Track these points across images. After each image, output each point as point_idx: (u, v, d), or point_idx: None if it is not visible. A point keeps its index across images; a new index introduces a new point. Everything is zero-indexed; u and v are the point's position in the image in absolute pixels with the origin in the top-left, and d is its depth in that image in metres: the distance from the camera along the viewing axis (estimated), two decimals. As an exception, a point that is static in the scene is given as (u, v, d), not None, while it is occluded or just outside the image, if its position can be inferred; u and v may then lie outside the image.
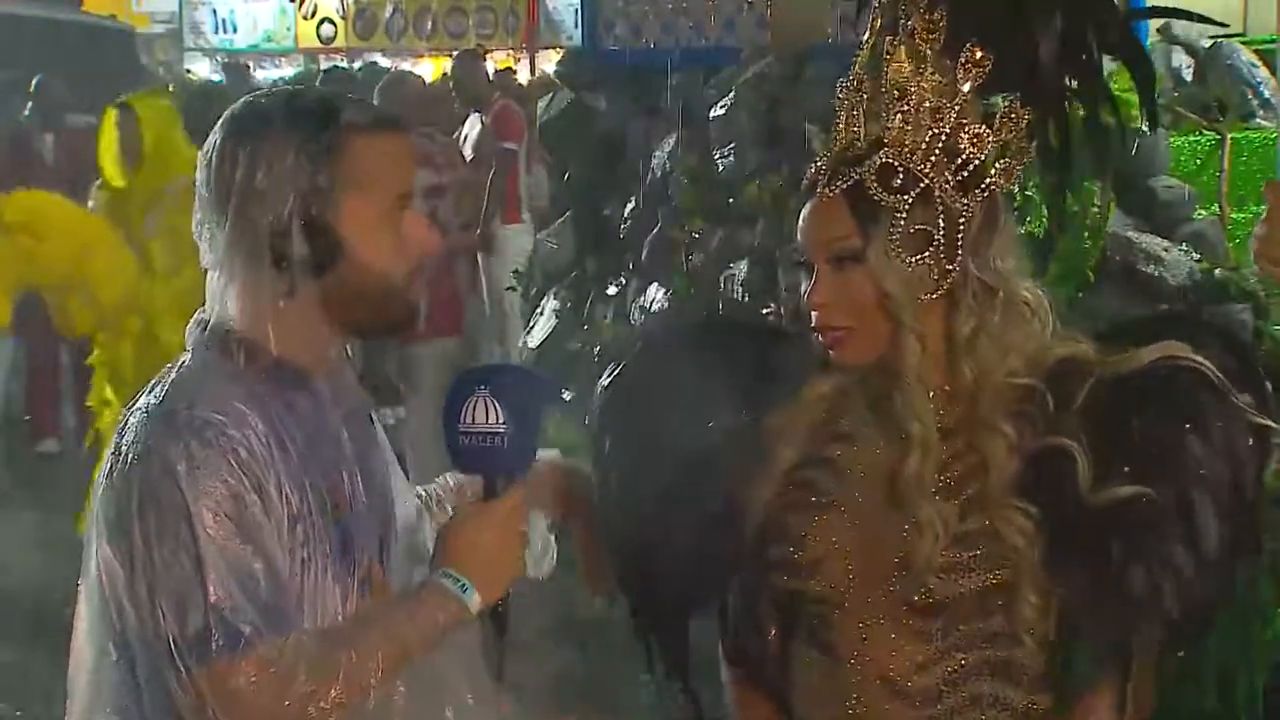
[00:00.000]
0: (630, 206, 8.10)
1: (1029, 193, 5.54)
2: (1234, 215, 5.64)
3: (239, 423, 1.88)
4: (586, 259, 8.57)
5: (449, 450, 2.01)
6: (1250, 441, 1.94)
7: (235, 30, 17.75)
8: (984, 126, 1.99)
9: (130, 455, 1.87)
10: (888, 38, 2.03)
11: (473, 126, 8.58)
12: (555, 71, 11.33)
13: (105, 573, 1.88)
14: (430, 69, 15.08)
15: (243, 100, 2.01)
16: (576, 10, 14.14)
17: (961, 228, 1.97)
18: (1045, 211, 5.46)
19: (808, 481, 2.07)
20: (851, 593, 2.02)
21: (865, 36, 2.08)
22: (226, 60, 16.41)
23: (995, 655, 1.99)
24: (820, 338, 2.02)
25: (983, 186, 1.98)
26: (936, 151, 1.98)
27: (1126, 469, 1.90)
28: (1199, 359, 1.94)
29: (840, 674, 2.05)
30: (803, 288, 2.04)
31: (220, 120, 1.97)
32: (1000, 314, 1.99)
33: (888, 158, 1.97)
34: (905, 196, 1.96)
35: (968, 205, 1.97)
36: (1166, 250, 5.44)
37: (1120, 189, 5.54)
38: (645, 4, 9.81)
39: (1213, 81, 6.31)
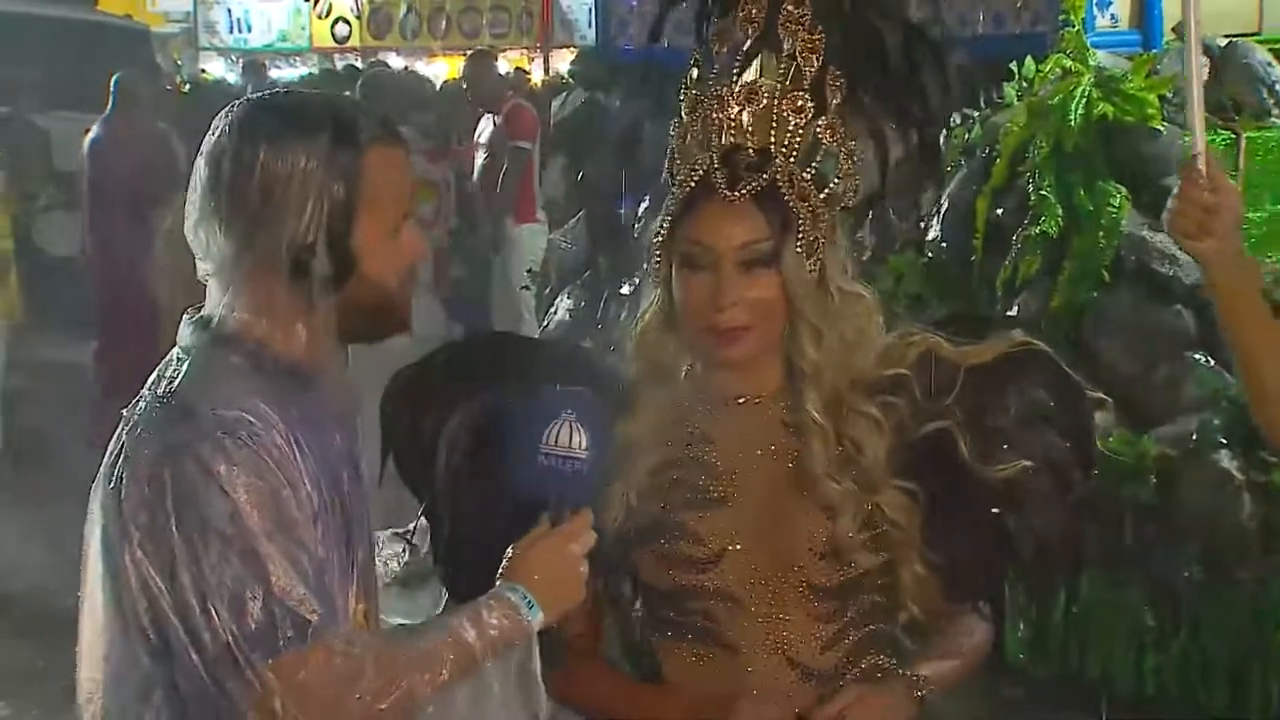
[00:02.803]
0: (644, 206, 8.10)
1: (1044, 192, 5.54)
2: (1249, 214, 5.61)
3: (265, 422, 1.85)
4: (600, 258, 8.58)
5: (521, 467, 1.99)
6: (1091, 408, 2.24)
7: (250, 30, 17.77)
8: (853, 145, 2.13)
9: (154, 456, 1.83)
10: (762, 52, 2.13)
11: (485, 125, 8.57)
12: (569, 71, 11.33)
13: (136, 578, 1.84)
14: (445, 68, 15.08)
15: (248, 103, 1.95)
16: (591, 10, 14.15)
17: (825, 237, 2.11)
18: (1060, 211, 5.48)
19: (682, 482, 2.14)
20: (750, 584, 2.11)
21: (725, 46, 2.15)
22: (245, 60, 16.43)
23: (883, 627, 2.15)
24: (715, 335, 2.09)
25: (841, 203, 2.13)
26: (815, 166, 2.11)
27: (1005, 445, 2.12)
28: (1041, 343, 2.17)
29: (737, 665, 2.12)
30: (663, 286, 2.13)
31: (225, 123, 1.91)
32: (853, 315, 2.13)
33: (789, 168, 2.10)
34: (807, 204, 2.09)
35: (829, 218, 2.12)
36: (1181, 249, 5.41)
37: (1135, 188, 5.53)
38: (659, 4, 9.76)
39: (1228, 80, 6.29)
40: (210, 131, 1.92)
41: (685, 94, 2.17)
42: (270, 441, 1.84)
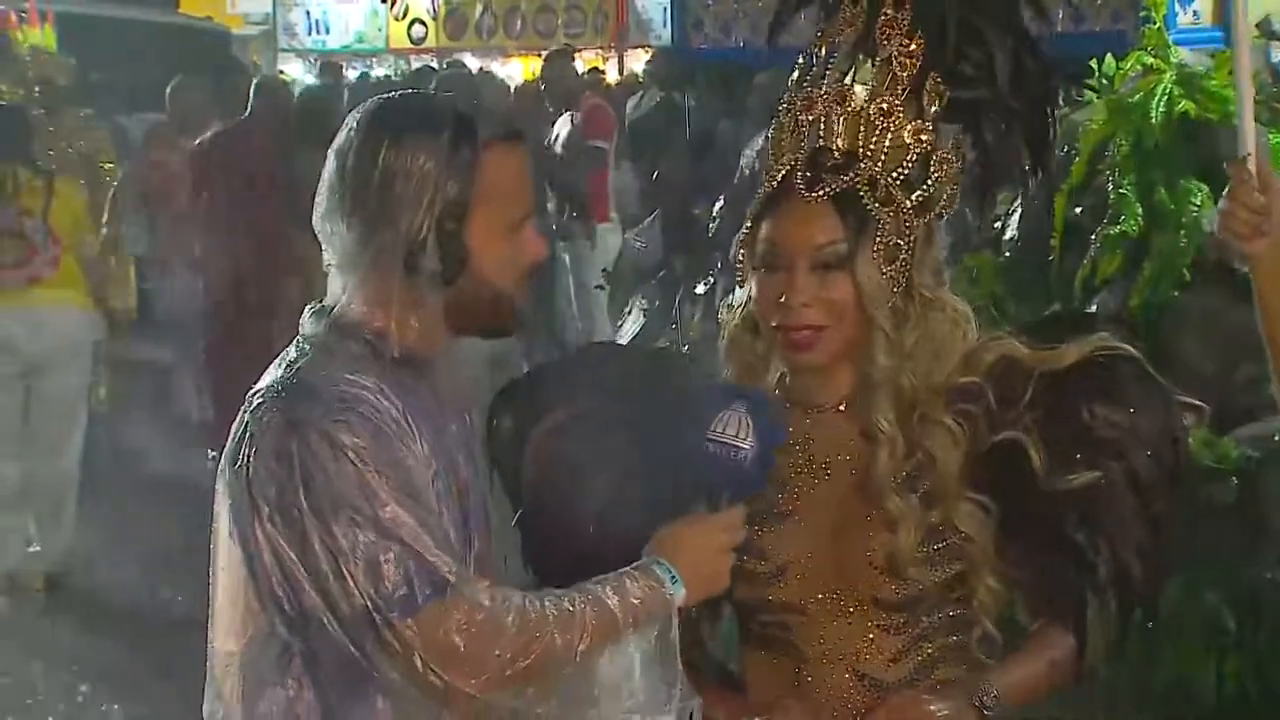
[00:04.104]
0: (719, 205, 8.10)
1: (1124, 191, 5.48)
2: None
3: (383, 397, 1.92)
4: (675, 258, 8.59)
5: (686, 452, 2.03)
6: (1181, 417, 2.15)
7: (328, 31, 17.91)
8: (948, 153, 2.12)
9: (279, 432, 1.89)
10: (860, 55, 2.13)
11: (563, 126, 8.61)
12: (644, 71, 11.35)
13: (269, 552, 1.90)
14: (519, 68, 15.14)
15: (377, 101, 2.02)
16: (666, 9, 14.17)
17: (913, 244, 2.10)
18: (1139, 210, 5.42)
19: (756, 495, 2.13)
20: (816, 597, 2.11)
21: (825, 49, 2.16)
22: (322, 61, 16.57)
23: (957, 640, 2.12)
24: (787, 337, 2.10)
25: (935, 210, 2.12)
26: (908, 171, 2.10)
27: (1079, 455, 2.05)
28: (1128, 347, 2.11)
29: (806, 675, 2.13)
30: (749, 286, 2.14)
31: (354, 120, 1.99)
32: (938, 323, 2.11)
33: (872, 171, 2.08)
34: (888, 209, 2.08)
35: (920, 224, 2.11)
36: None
37: (1217, 186, 5.46)
38: (734, 2, 9.78)
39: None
40: (342, 128, 1.99)
41: (784, 96, 2.18)
42: (390, 415, 1.91)
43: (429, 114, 1.98)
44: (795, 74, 2.18)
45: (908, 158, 2.10)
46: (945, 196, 2.12)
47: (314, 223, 2.00)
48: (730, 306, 2.22)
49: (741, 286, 2.19)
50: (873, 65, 2.12)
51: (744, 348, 2.18)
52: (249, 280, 7.70)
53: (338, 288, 2.00)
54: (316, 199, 1.99)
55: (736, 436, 2.00)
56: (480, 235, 1.96)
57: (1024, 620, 2.18)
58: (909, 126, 2.10)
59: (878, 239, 2.08)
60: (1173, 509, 2.11)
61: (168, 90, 8.76)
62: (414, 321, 1.96)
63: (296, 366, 1.96)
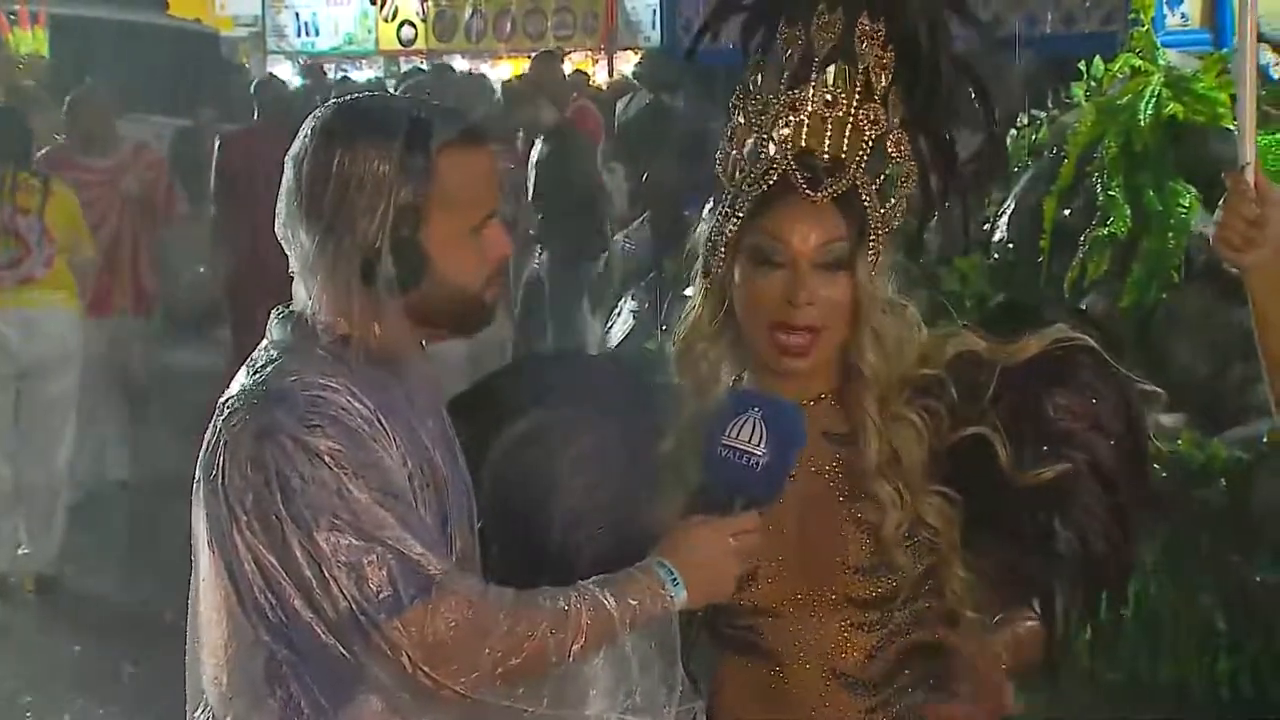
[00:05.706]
0: (709, 208, 8.11)
1: (1112, 193, 5.50)
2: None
3: (354, 399, 1.90)
4: (664, 260, 8.59)
5: (704, 455, 2.02)
6: (1139, 404, 2.16)
7: (317, 33, 17.87)
8: (912, 165, 2.14)
9: (252, 440, 1.88)
10: (836, 62, 2.14)
11: (551, 127, 8.61)
12: (634, 72, 11.37)
13: (250, 560, 1.88)
14: (509, 71, 15.14)
15: (333, 107, 2.00)
16: (655, 11, 14.17)
17: (884, 250, 2.11)
18: (1128, 212, 5.44)
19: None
20: (787, 599, 2.11)
21: (798, 54, 2.16)
22: (307, 64, 16.55)
23: (932, 635, 2.12)
24: (781, 341, 2.08)
25: (896, 219, 2.14)
26: (880, 180, 2.12)
27: (1044, 447, 2.07)
28: (1086, 337, 2.11)
29: (784, 677, 2.13)
30: (735, 286, 2.13)
31: (310, 126, 1.97)
32: (898, 326, 2.13)
33: (863, 176, 2.11)
34: (881, 212, 2.10)
35: (887, 232, 2.12)
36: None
37: (1205, 188, 5.49)
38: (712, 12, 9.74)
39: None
40: (299, 134, 1.97)
41: (745, 100, 2.19)
42: (361, 415, 1.89)
43: (383, 119, 1.95)
44: (757, 78, 2.19)
45: (886, 167, 2.13)
46: (900, 209, 2.14)
47: (275, 229, 1.98)
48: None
49: (710, 286, 2.17)
50: (851, 73, 2.13)
51: (695, 356, 2.16)
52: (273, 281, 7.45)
53: (302, 294, 1.98)
54: (277, 205, 1.97)
55: (750, 442, 1.97)
56: (440, 239, 1.94)
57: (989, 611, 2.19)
58: (890, 137, 2.13)
59: (871, 240, 2.09)
60: (1137, 496, 2.13)
61: (67, 100, 8.37)
62: (377, 328, 1.94)
63: (266, 372, 1.94)
